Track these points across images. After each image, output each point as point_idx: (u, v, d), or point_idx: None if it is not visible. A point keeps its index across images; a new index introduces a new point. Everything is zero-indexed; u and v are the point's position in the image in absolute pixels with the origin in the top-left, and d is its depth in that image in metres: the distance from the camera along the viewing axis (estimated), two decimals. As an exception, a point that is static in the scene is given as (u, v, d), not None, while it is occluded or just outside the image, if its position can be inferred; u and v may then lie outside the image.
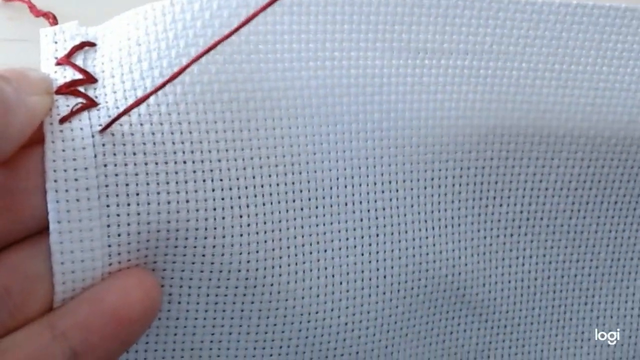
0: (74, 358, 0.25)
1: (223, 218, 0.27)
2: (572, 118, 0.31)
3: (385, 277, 0.30)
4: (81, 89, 0.26)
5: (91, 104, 0.25)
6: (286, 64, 0.28)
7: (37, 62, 0.27)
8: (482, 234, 0.32)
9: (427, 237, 0.31)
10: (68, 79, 0.26)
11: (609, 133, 0.32)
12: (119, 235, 0.26)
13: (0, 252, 0.26)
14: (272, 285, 0.28)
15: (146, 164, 0.26)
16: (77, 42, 0.27)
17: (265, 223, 0.28)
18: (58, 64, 0.26)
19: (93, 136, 0.25)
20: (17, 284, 0.25)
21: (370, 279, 0.30)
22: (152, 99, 0.26)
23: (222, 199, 0.27)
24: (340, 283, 0.30)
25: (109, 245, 0.26)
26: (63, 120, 0.25)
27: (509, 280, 0.33)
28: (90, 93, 0.26)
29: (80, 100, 0.25)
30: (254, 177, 0.28)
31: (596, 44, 0.31)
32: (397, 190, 0.30)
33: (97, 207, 0.25)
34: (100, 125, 0.25)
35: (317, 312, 0.30)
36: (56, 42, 0.27)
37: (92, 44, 0.27)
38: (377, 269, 0.30)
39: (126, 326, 0.25)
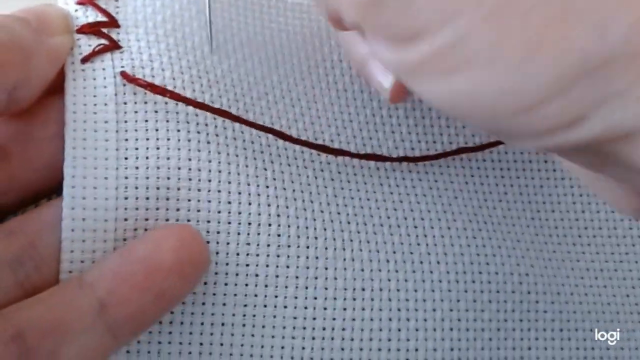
0: (102, 310, 0.23)
1: (246, 166, 0.26)
2: None
3: (438, 262, 0.27)
4: (104, 31, 0.27)
5: (114, 45, 0.26)
6: (296, 29, 0.30)
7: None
8: (542, 239, 0.29)
9: (480, 230, 0.28)
10: (91, 20, 0.27)
11: None
12: (136, 167, 0.25)
13: (26, 210, 0.25)
14: (307, 247, 0.26)
15: (166, 103, 0.26)
16: None
17: (292, 182, 0.27)
18: (79, 3, 0.27)
19: (115, 76, 0.26)
20: (43, 239, 0.24)
21: (421, 262, 0.27)
22: (173, 54, 0.27)
23: (245, 149, 0.26)
24: (387, 261, 0.27)
25: (126, 177, 0.25)
26: (85, 59, 0.26)
27: (585, 293, 0.29)
28: (113, 36, 0.27)
29: (103, 41, 0.26)
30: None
31: None
32: (439, 179, 0.29)
33: (115, 139, 0.25)
34: (122, 67, 0.26)
35: (363, 289, 0.26)
36: None
37: None
38: (428, 253, 0.27)
39: (159, 277, 0.23)
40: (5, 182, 0.25)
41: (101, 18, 0.27)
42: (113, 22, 0.27)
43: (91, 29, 0.26)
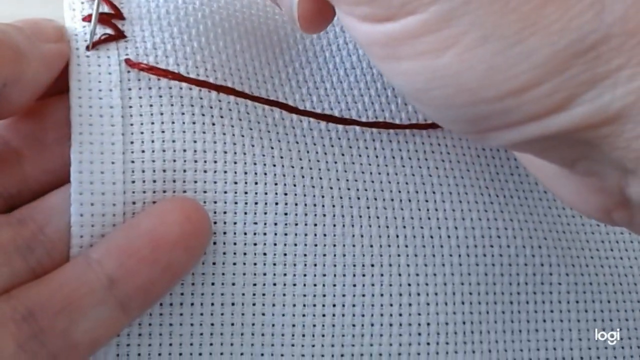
0: (111, 285, 0.23)
1: (252, 146, 0.26)
2: None
3: (449, 237, 0.27)
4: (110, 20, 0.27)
5: (120, 35, 0.27)
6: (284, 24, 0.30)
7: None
8: (555, 212, 0.29)
9: (491, 203, 0.28)
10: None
11: None
12: (142, 151, 0.25)
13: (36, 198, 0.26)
14: (315, 225, 0.26)
15: (170, 87, 0.26)
16: None
17: (301, 159, 0.27)
18: None
19: (120, 64, 0.26)
20: (52, 224, 0.25)
21: (431, 237, 0.27)
22: (177, 41, 0.27)
23: (251, 129, 0.26)
24: (397, 236, 0.27)
25: (132, 162, 0.25)
26: (90, 47, 0.26)
27: (602, 265, 0.29)
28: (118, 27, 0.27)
29: (108, 30, 0.27)
30: (272, 111, 0.28)
31: None
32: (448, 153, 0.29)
33: (121, 124, 0.25)
34: (127, 54, 0.26)
35: (372, 265, 0.26)
36: None
37: None
38: (439, 228, 0.27)
39: (165, 250, 0.24)
40: (19, 184, 0.25)
41: (107, 10, 0.27)
42: (118, 14, 0.27)
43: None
